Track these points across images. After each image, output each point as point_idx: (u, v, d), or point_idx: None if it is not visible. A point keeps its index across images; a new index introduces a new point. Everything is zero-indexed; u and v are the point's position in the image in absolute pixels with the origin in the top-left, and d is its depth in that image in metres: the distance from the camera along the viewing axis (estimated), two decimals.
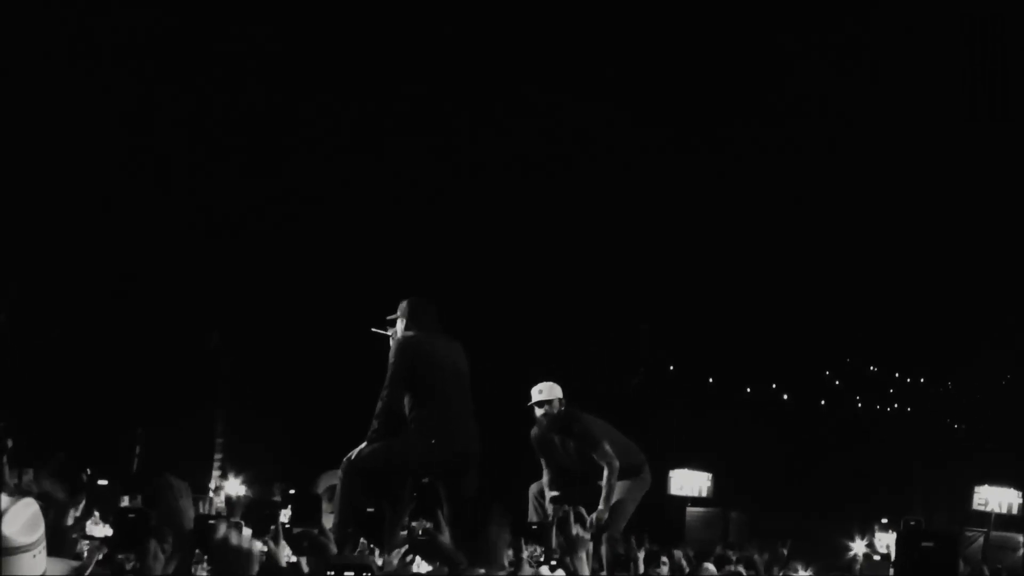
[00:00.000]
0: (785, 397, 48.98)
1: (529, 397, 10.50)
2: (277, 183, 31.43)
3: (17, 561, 4.13)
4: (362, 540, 7.41)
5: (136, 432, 31.87)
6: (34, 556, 4.19)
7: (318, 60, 30.54)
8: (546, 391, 10.40)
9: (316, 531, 6.82)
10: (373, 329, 9.45)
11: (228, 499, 21.85)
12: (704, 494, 34.35)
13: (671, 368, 44.90)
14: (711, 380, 45.72)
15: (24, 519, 4.18)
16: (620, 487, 10.11)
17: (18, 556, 4.14)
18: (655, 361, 43.00)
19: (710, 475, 34.54)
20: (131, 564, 5.23)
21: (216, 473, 31.18)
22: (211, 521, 5.35)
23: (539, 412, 10.37)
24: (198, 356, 31.53)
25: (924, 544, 4.11)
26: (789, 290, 37.56)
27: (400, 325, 9.20)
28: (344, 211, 31.37)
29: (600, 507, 9.84)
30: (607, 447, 10.06)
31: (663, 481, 32.99)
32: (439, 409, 8.81)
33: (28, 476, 18.24)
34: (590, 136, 33.75)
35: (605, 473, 9.96)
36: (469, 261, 31.06)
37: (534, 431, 10.51)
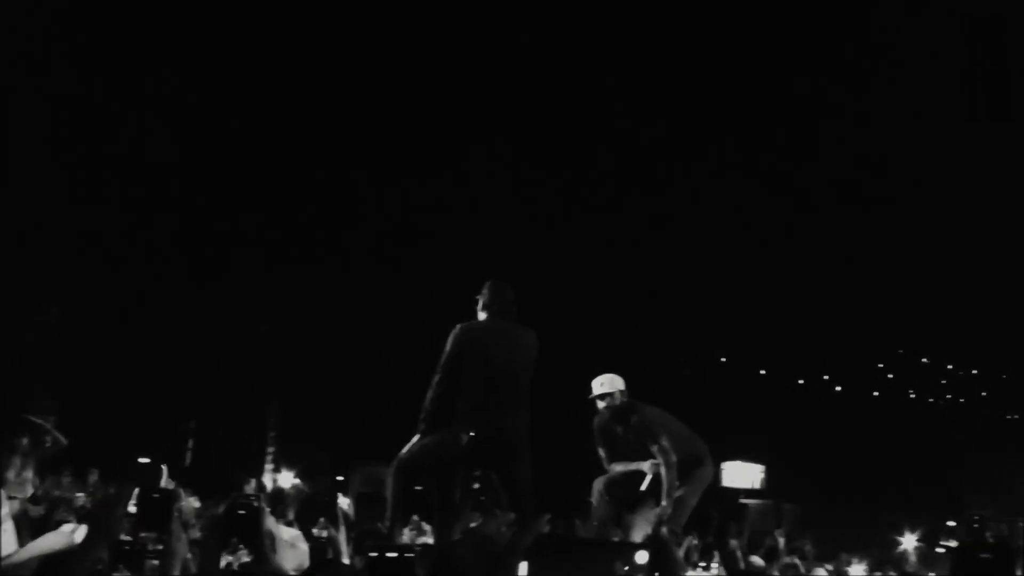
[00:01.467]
0: (838, 389, 48.80)
1: (588, 390, 10.43)
2: (331, 175, 31.56)
3: None
4: (414, 517, 7.41)
5: (188, 425, 32.06)
6: None
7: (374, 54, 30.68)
8: (607, 383, 10.33)
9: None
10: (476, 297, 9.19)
11: (280, 492, 21.89)
12: (757, 486, 34.39)
13: (722, 360, 44.81)
14: (763, 372, 45.60)
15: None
16: (683, 481, 10.00)
17: None
18: (705, 353, 42.92)
19: (763, 467, 34.57)
20: (154, 545, 5.28)
21: (269, 467, 31.29)
22: (240, 512, 5.37)
23: (601, 404, 10.30)
24: (248, 347, 31.66)
25: (982, 556, 4.10)
26: (841, 281, 37.42)
27: (479, 307, 9.04)
28: (395, 206, 31.43)
29: (663, 503, 9.75)
30: (665, 441, 9.94)
31: (715, 473, 32.97)
32: (482, 398, 8.58)
33: (94, 476, 18.33)
34: (635, 134, 33.77)
35: (662, 469, 9.89)
36: (520, 258, 31.11)
37: (596, 422, 10.44)
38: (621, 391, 10.32)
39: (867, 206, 36.87)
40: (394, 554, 3.91)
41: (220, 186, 30.59)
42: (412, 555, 3.92)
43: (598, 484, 10.32)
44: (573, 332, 30.77)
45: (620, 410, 10.24)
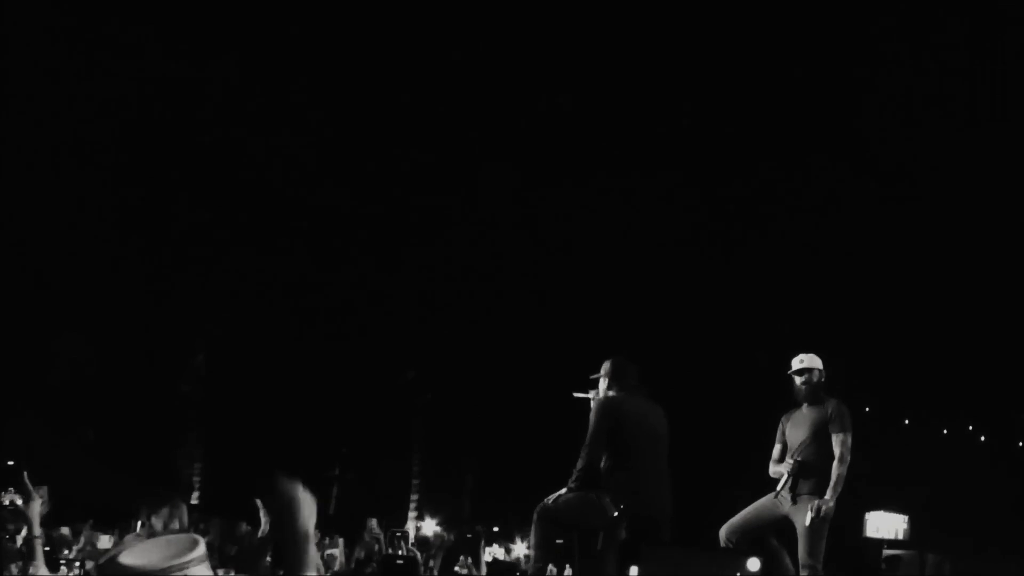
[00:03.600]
0: (982, 439, 48.04)
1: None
2: (483, 221, 31.81)
3: None
4: (552, 568, 7.57)
5: (333, 472, 32.43)
6: None
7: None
8: (807, 360, 10.18)
9: None
10: (575, 394, 9.38)
11: (424, 539, 22.21)
12: (901, 536, 33.89)
13: (867, 410, 44.40)
14: (907, 422, 45.07)
15: (144, 550, 4.50)
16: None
17: None
18: (851, 401, 42.51)
19: (906, 517, 34.08)
20: None
21: (412, 515, 31.54)
22: (399, 561, 5.63)
23: (799, 380, 10.14)
24: (395, 394, 31.86)
25: None
26: (986, 331, 36.84)
27: (603, 385, 9.19)
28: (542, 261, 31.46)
29: (827, 495, 9.49)
30: (850, 439, 9.79)
31: (859, 523, 32.64)
32: (635, 472, 8.76)
33: (241, 531, 18.69)
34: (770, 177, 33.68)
35: (835, 463, 9.64)
36: (663, 319, 31.10)
37: (785, 414, 10.29)
38: (820, 370, 10.17)
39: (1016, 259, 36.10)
40: None
41: (365, 238, 31.01)
42: None
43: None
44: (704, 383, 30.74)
45: (819, 389, 10.12)
